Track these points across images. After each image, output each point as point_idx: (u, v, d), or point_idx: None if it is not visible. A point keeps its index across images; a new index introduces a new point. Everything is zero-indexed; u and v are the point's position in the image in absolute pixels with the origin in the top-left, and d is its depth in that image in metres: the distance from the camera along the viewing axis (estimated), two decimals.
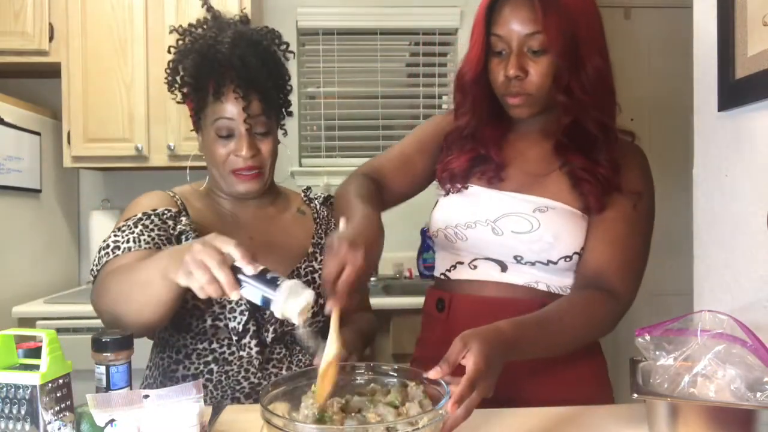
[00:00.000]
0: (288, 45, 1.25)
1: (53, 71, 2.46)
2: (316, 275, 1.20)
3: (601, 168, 1.05)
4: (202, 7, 1.24)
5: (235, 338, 1.12)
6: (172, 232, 1.14)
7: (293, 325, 1.15)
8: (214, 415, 0.94)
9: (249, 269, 0.83)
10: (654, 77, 3.02)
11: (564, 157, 1.08)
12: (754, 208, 1.10)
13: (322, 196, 1.38)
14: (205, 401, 0.87)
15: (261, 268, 0.84)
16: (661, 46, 3.01)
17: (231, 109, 1.13)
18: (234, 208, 1.24)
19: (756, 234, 1.09)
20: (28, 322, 2.18)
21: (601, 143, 1.06)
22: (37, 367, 0.77)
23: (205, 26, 1.19)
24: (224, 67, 1.12)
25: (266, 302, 0.83)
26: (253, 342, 1.12)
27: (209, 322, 1.11)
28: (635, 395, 0.84)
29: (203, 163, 1.24)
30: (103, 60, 2.42)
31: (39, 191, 2.46)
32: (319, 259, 1.23)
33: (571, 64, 1.02)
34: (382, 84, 2.99)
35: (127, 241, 1.08)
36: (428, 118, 1.30)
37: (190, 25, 1.19)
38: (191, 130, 1.25)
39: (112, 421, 0.76)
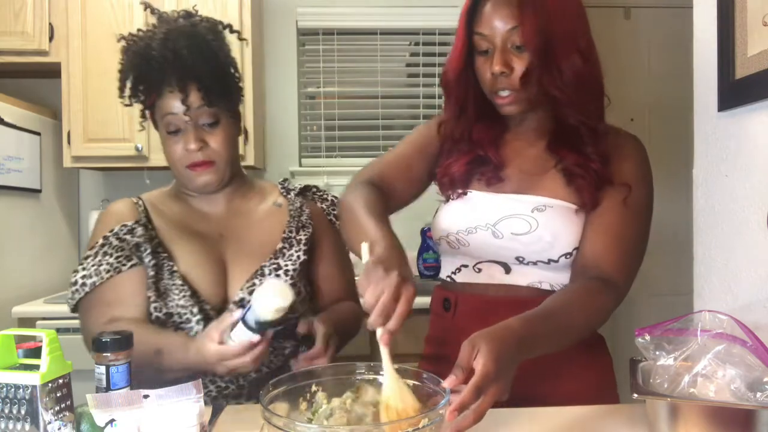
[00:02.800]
0: (231, 27, 1.23)
1: (53, 71, 2.46)
2: (280, 272, 1.20)
3: (592, 163, 1.06)
4: (145, 10, 1.23)
5: None
6: (128, 246, 1.16)
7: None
8: (213, 415, 0.94)
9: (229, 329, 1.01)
10: (654, 77, 3.02)
11: (557, 156, 1.09)
12: (754, 208, 1.10)
13: (299, 187, 1.36)
14: None
15: (235, 316, 1.02)
16: (661, 46, 3.00)
17: (172, 104, 1.13)
18: (203, 204, 1.24)
19: (756, 234, 1.09)
20: (28, 322, 2.18)
21: (586, 138, 1.07)
22: (37, 367, 0.77)
23: (155, 30, 1.17)
24: (158, 63, 1.11)
25: (249, 326, 1.00)
26: None
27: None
28: (635, 395, 0.84)
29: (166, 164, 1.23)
30: (103, 60, 2.41)
31: (39, 191, 2.46)
32: (286, 254, 1.22)
33: (546, 63, 1.02)
34: (382, 84, 2.98)
35: (90, 276, 1.14)
36: (425, 122, 1.30)
37: (138, 30, 1.19)
38: (139, 130, 1.31)
39: (112, 421, 0.76)
